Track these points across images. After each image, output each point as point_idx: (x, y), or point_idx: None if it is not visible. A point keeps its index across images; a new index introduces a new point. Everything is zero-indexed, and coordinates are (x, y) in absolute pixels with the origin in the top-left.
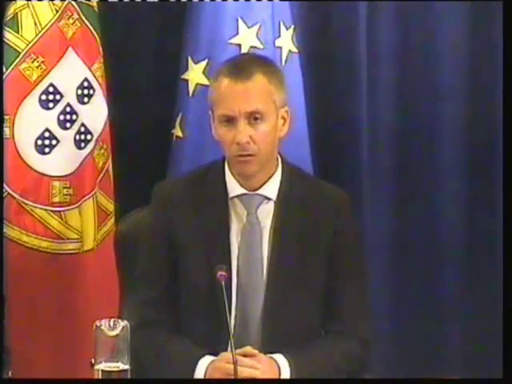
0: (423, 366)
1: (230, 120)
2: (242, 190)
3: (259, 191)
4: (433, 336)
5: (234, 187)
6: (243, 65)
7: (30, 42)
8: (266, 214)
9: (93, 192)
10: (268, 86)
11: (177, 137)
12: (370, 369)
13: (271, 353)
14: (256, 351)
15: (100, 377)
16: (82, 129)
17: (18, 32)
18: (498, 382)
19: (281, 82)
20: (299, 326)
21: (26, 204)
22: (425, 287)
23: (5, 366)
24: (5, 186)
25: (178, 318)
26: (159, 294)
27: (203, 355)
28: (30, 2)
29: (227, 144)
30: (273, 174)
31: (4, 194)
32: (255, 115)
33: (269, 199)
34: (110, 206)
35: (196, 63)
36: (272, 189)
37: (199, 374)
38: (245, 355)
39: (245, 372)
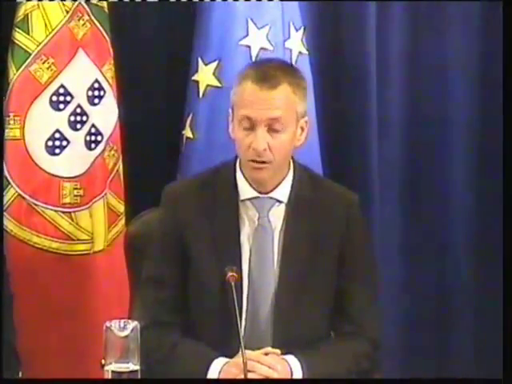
0: (423, 366)
1: (249, 125)
2: (253, 193)
3: (271, 194)
4: (433, 336)
5: (245, 190)
6: (271, 72)
7: (40, 44)
8: (278, 217)
9: (103, 193)
10: (292, 97)
11: (187, 138)
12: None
13: (282, 353)
14: (278, 350)
15: (110, 377)
16: (93, 130)
17: (28, 33)
18: (498, 381)
19: (305, 92)
20: (310, 327)
21: (37, 205)
22: (431, 288)
23: (14, 367)
24: (15, 186)
25: (189, 319)
26: (170, 295)
27: (216, 357)
28: (40, 4)
29: (243, 147)
30: (284, 177)
31: (14, 195)
32: (275, 124)
33: (280, 202)
34: (121, 207)
35: (206, 64)
36: (284, 192)
37: (212, 375)
38: (266, 354)
39: (262, 369)
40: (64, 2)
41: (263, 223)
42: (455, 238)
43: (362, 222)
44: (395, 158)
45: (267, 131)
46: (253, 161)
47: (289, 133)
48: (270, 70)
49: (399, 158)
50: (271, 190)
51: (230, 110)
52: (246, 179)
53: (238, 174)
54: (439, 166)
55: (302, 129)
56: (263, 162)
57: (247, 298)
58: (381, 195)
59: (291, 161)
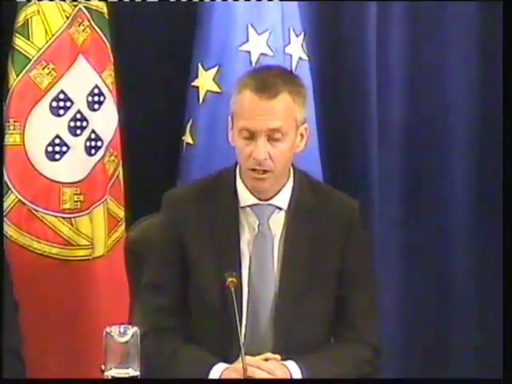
0: (423, 366)
1: (249, 134)
2: (253, 200)
3: (271, 201)
4: (433, 336)
5: (245, 197)
6: (270, 81)
7: (40, 49)
8: (278, 224)
9: (103, 199)
10: (292, 105)
11: (187, 143)
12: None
13: (282, 359)
14: (278, 356)
15: None
16: (93, 135)
17: (28, 39)
18: (498, 381)
19: (304, 100)
20: (310, 333)
21: (37, 211)
22: (431, 288)
23: (19, 371)
24: (15, 192)
25: (189, 325)
26: (170, 301)
27: (216, 362)
28: (40, 9)
29: (244, 156)
30: (284, 184)
31: (14, 201)
32: (276, 133)
33: (280, 209)
34: (121, 213)
35: (206, 70)
36: (284, 199)
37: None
38: (266, 359)
39: (262, 375)
40: (64, 8)
41: (263, 230)
42: (455, 238)
43: (362, 230)
44: (395, 160)
45: (267, 140)
46: (253, 170)
47: (289, 141)
48: (269, 79)
49: (399, 159)
50: (271, 197)
51: (230, 118)
52: (246, 186)
53: (238, 181)
54: (439, 166)
55: (302, 136)
56: (264, 171)
57: (247, 304)
58: (381, 196)
59: (291, 168)
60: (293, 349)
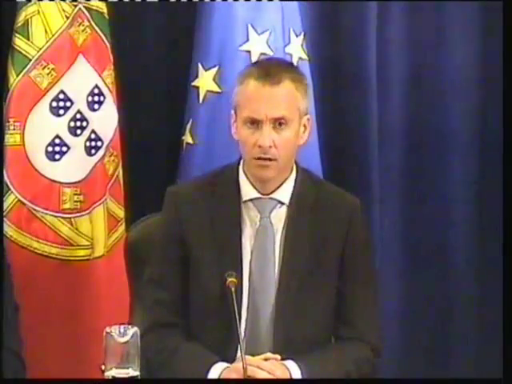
0: (423, 366)
1: (254, 123)
2: (255, 194)
3: (273, 195)
4: (433, 336)
5: (247, 190)
6: (272, 69)
7: (40, 49)
8: (279, 218)
9: (103, 198)
10: (295, 93)
11: (187, 143)
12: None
13: (282, 358)
14: (278, 356)
15: None
16: (93, 135)
17: (28, 39)
18: (498, 381)
19: (306, 90)
20: (310, 331)
21: (37, 211)
22: (431, 288)
23: (19, 372)
24: (15, 192)
25: (189, 321)
26: (171, 297)
27: (216, 361)
28: (40, 9)
29: (248, 146)
30: (286, 179)
31: (14, 201)
32: (280, 121)
33: (282, 203)
34: (121, 213)
35: (206, 70)
36: (285, 193)
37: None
38: (266, 359)
39: (262, 375)
40: (64, 8)
41: (265, 224)
42: (455, 237)
43: (363, 228)
44: (395, 159)
45: (272, 128)
46: (258, 158)
47: (293, 130)
48: (271, 68)
49: (399, 158)
50: (273, 191)
51: (233, 112)
52: (249, 180)
53: (241, 175)
54: (439, 167)
55: (305, 127)
56: (269, 160)
57: (248, 300)
58: (381, 195)
59: (294, 164)
60: (293, 347)
